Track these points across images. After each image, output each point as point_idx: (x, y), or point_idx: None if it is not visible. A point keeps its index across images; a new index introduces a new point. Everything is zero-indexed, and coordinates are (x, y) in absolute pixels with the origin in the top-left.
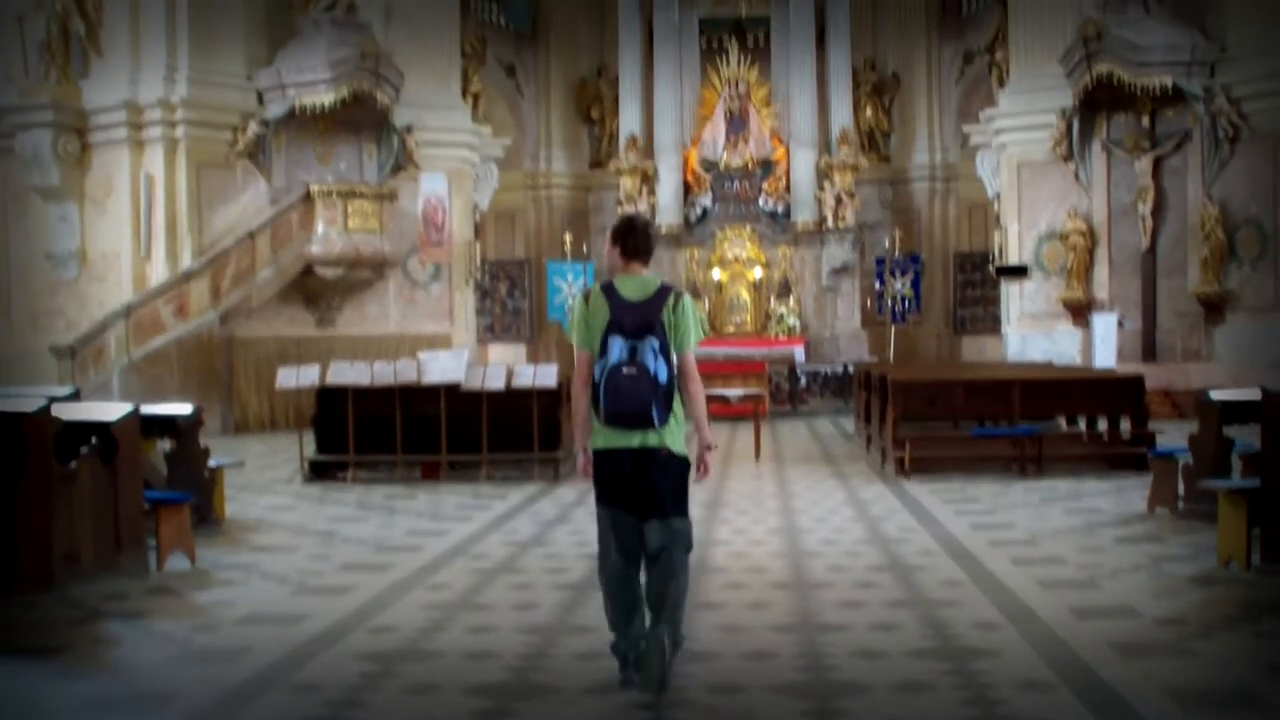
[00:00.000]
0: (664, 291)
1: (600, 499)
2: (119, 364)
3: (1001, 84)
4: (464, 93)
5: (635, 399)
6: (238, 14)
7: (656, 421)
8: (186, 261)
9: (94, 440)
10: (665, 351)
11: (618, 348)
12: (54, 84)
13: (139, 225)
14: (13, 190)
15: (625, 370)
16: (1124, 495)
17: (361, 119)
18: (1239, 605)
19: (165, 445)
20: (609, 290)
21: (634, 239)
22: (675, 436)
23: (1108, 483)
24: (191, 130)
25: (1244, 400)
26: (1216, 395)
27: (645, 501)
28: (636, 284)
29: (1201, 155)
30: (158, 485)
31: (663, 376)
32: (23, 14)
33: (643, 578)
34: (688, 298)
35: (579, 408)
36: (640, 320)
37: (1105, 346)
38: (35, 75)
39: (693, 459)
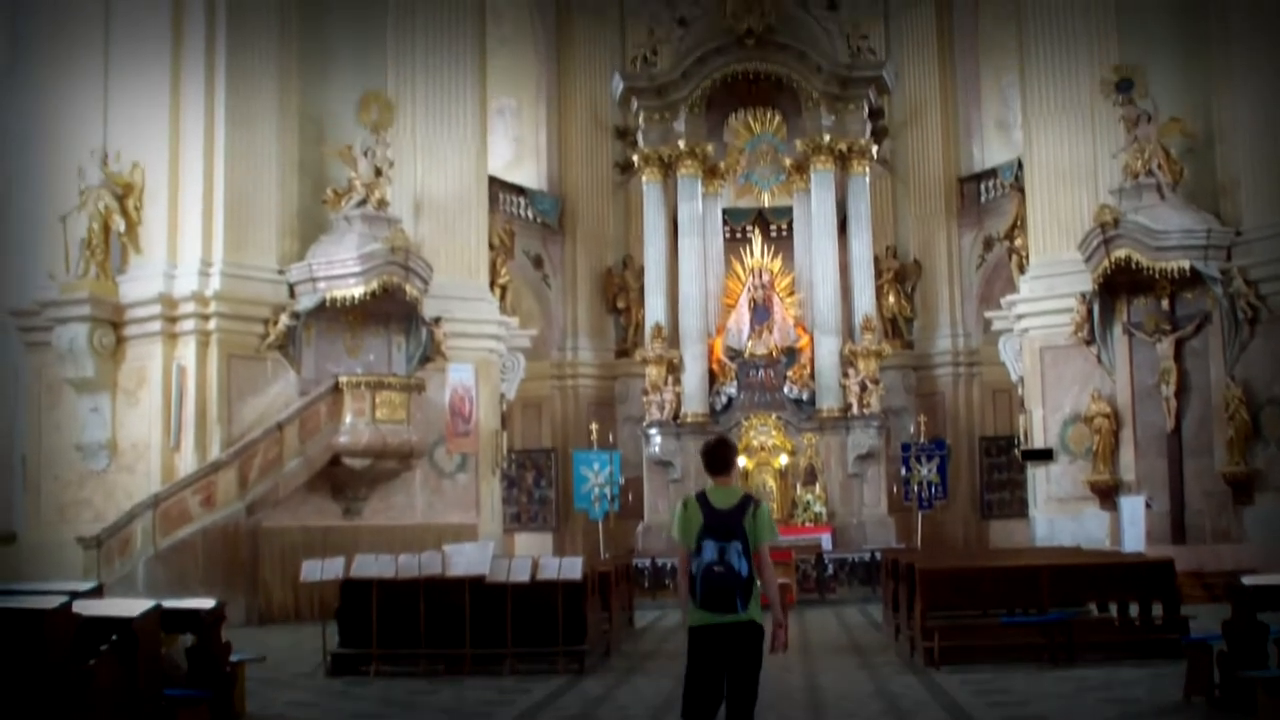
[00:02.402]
0: (745, 501)
1: (691, 661)
2: (145, 554)
3: (1021, 270)
4: (492, 284)
5: (724, 591)
6: (272, 211)
7: (740, 607)
8: (215, 452)
9: (114, 637)
10: (746, 551)
11: (710, 549)
12: (93, 279)
13: (169, 416)
14: (47, 382)
15: (716, 569)
16: (1159, 684)
17: (391, 311)
18: None
19: (187, 639)
20: (702, 499)
21: (711, 461)
22: (756, 611)
23: (1142, 670)
24: (224, 323)
25: (1277, 585)
26: (1249, 581)
27: (732, 662)
28: (724, 494)
29: (1222, 337)
30: (178, 681)
31: (744, 571)
32: (67, 214)
33: None
34: (764, 506)
35: (681, 590)
36: (727, 526)
37: (1133, 529)
38: (75, 271)
39: (767, 631)
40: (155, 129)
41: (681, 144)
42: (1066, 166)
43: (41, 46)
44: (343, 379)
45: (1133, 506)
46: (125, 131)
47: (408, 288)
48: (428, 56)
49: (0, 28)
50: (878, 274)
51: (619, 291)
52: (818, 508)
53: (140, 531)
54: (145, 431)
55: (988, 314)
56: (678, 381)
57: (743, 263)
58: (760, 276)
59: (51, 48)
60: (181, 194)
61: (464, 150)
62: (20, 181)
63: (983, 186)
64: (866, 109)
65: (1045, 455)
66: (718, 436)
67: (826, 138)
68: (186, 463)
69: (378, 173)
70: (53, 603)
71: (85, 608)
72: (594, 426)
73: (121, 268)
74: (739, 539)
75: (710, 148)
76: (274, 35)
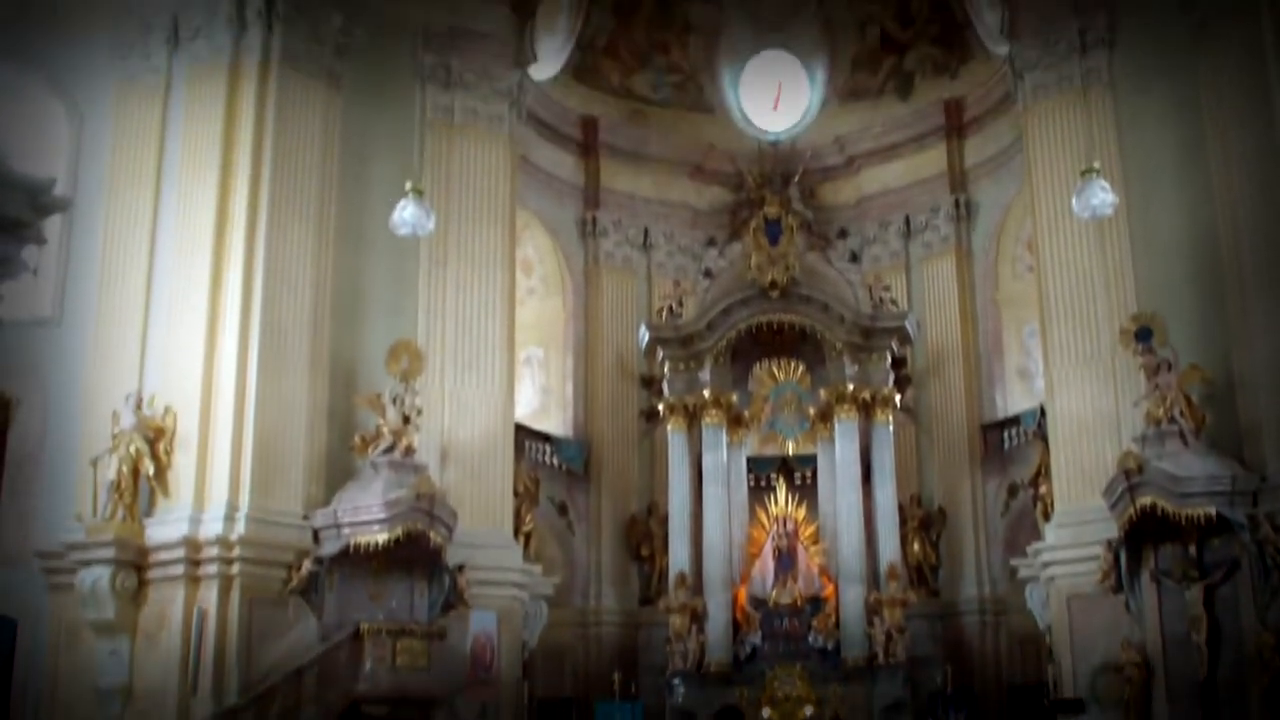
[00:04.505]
0: None
1: None
2: None
3: (1047, 517)
4: (516, 532)
5: None
6: (299, 456)
7: None
8: (233, 698)
9: None
10: None
11: None
12: (119, 522)
13: (187, 660)
14: (67, 625)
15: None
16: None
17: (414, 557)
18: None
19: None
20: None
21: None
22: None
23: None
24: (247, 568)
25: None
26: None
27: None
28: None
29: (1252, 583)
30: None
31: None
32: (98, 457)
33: None
34: None
35: None
36: None
37: None
38: (102, 514)
39: None
40: (190, 376)
41: (706, 393)
42: (1089, 414)
43: (88, 298)
44: (364, 625)
45: None
46: (161, 377)
47: (432, 535)
48: (458, 306)
49: (54, 284)
50: (902, 522)
51: (643, 539)
52: None
53: None
54: (162, 676)
55: (1013, 562)
56: (701, 630)
57: (767, 511)
58: (784, 525)
59: (98, 298)
60: (212, 439)
61: (491, 399)
62: (57, 426)
63: (1006, 434)
64: (889, 358)
65: (1076, 706)
66: (726, 705)
67: (850, 387)
68: (203, 708)
69: (405, 420)
70: None
71: None
72: (616, 676)
73: (149, 511)
74: None
75: (735, 397)
76: (308, 285)
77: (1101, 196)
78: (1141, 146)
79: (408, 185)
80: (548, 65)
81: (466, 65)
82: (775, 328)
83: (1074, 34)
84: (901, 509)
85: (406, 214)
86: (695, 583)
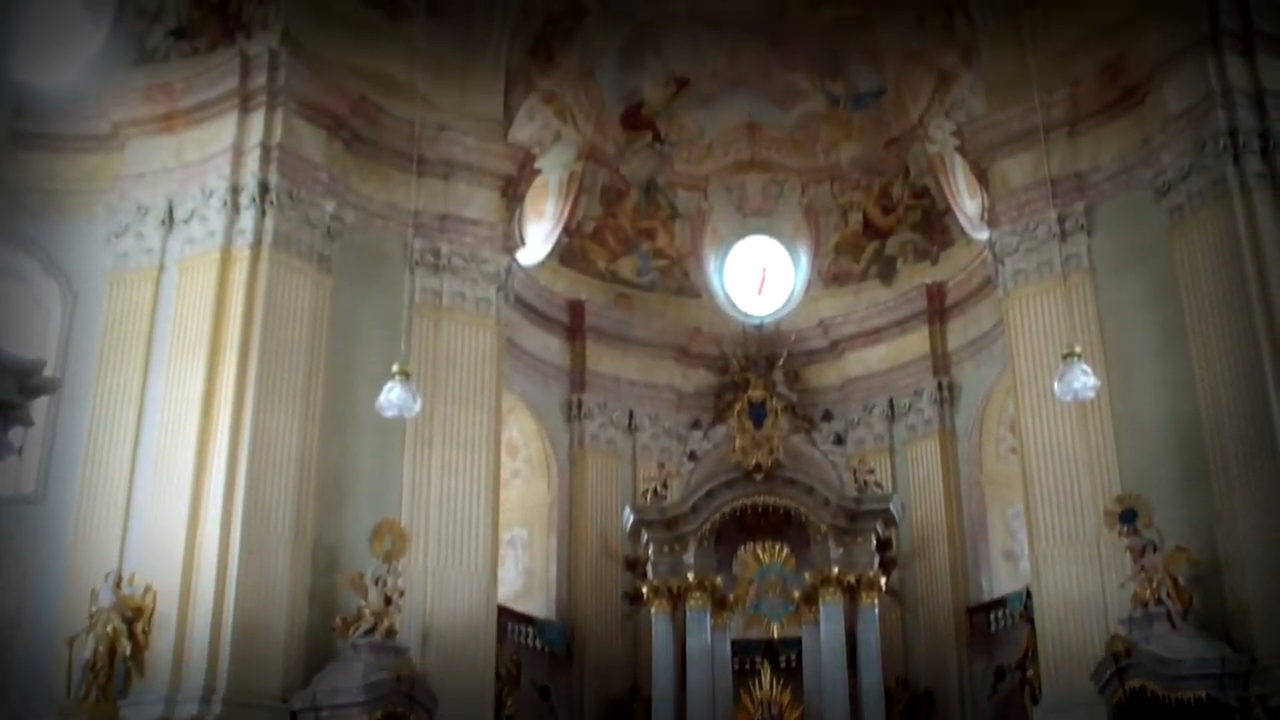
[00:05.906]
0: None
1: None
2: None
3: (1035, 700)
4: (498, 715)
5: None
6: (279, 639)
7: None
8: None
9: None
10: None
11: None
12: (93, 703)
13: None
14: None
15: None
16: None
17: None
18: None
19: None
20: None
21: None
22: None
23: None
24: None
25: None
26: None
27: None
28: None
29: None
30: None
31: None
32: (75, 636)
33: None
34: None
35: None
36: None
37: None
38: (76, 694)
39: None
40: (171, 555)
41: (690, 576)
42: (1075, 596)
43: (71, 475)
44: None
45: None
46: (142, 556)
47: (412, 718)
48: (443, 488)
49: (38, 461)
50: (889, 705)
51: None
52: None
53: None
54: None
55: None
56: None
57: (751, 695)
58: (769, 709)
59: (81, 476)
60: (191, 619)
61: (474, 581)
62: (35, 605)
63: (992, 616)
64: (874, 541)
65: None
66: None
67: (835, 570)
68: None
69: (388, 601)
70: None
71: None
72: None
73: (124, 692)
74: None
75: (719, 579)
76: (293, 466)
77: (1083, 380)
78: (1122, 330)
79: (395, 367)
80: (535, 250)
81: (455, 250)
82: (760, 510)
83: (1052, 220)
84: (888, 692)
85: (393, 396)
86: None
